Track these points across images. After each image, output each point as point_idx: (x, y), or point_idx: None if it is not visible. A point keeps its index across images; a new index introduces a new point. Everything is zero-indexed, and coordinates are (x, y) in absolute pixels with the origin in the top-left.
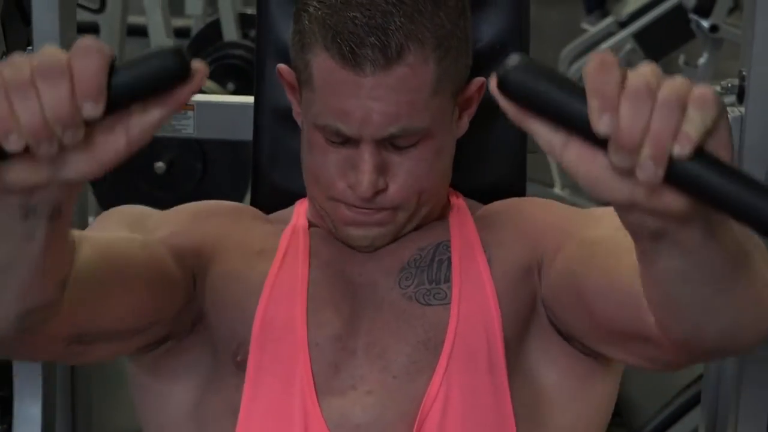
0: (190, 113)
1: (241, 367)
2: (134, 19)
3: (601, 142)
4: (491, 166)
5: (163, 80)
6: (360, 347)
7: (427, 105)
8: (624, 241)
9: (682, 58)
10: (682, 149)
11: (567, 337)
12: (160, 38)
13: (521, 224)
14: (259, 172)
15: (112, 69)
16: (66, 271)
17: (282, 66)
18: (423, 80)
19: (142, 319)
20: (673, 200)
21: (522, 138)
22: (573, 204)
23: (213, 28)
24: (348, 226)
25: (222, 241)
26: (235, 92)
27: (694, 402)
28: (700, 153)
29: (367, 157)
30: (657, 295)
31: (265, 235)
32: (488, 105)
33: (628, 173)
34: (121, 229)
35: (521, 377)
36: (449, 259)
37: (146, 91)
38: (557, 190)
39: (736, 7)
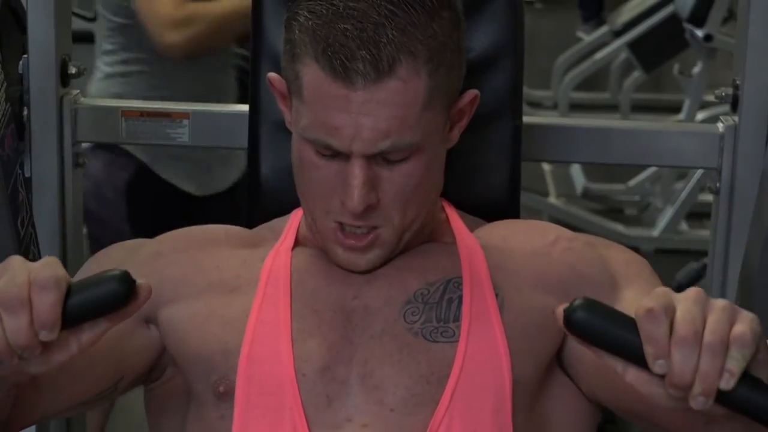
0: (185, 121)
1: (223, 397)
2: None
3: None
4: (486, 176)
5: (111, 303)
6: (354, 377)
7: (419, 119)
8: None
9: (676, 68)
10: (727, 384)
11: (587, 396)
12: None
13: (544, 268)
14: (256, 180)
15: (68, 291)
16: (8, 412)
17: (272, 75)
18: (415, 94)
19: (107, 384)
20: (720, 410)
21: (516, 146)
22: (567, 213)
23: None
24: (337, 247)
25: (187, 283)
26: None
27: None
28: (742, 378)
29: (357, 172)
30: None
31: (242, 265)
32: (482, 113)
33: (683, 400)
34: None
35: (530, 420)
36: (460, 298)
37: (97, 312)
38: (552, 199)
39: (730, 17)
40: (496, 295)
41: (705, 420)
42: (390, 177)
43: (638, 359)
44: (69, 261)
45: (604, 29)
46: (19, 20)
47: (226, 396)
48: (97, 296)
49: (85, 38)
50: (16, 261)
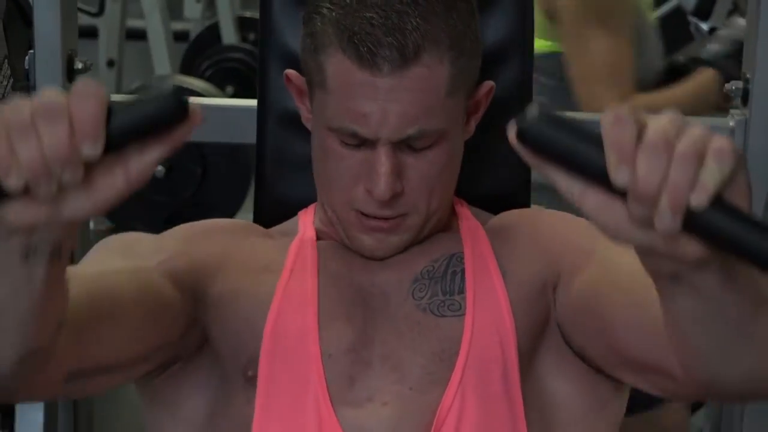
0: None
1: (251, 382)
2: (133, 23)
3: (619, 192)
4: (497, 169)
5: (160, 121)
6: (375, 358)
7: (443, 106)
8: None
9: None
10: (698, 199)
11: (580, 356)
12: (159, 41)
13: (537, 239)
14: (263, 176)
15: (110, 111)
16: (63, 312)
17: (290, 71)
18: (439, 80)
19: (141, 348)
20: (691, 247)
21: None
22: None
23: (212, 32)
24: (362, 234)
25: (222, 260)
26: (234, 95)
27: (699, 403)
28: (717, 202)
29: (384, 160)
30: (676, 336)
31: (269, 250)
32: (494, 111)
33: (647, 222)
34: (114, 259)
35: (535, 389)
36: (463, 271)
37: (144, 132)
38: None
39: (735, 10)
40: (499, 267)
41: (670, 278)
42: (415, 165)
43: (599, 173)
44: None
45: None
46: (25, 15)
47: (253, 380)
48: (144, 112)
49: (90, 33)
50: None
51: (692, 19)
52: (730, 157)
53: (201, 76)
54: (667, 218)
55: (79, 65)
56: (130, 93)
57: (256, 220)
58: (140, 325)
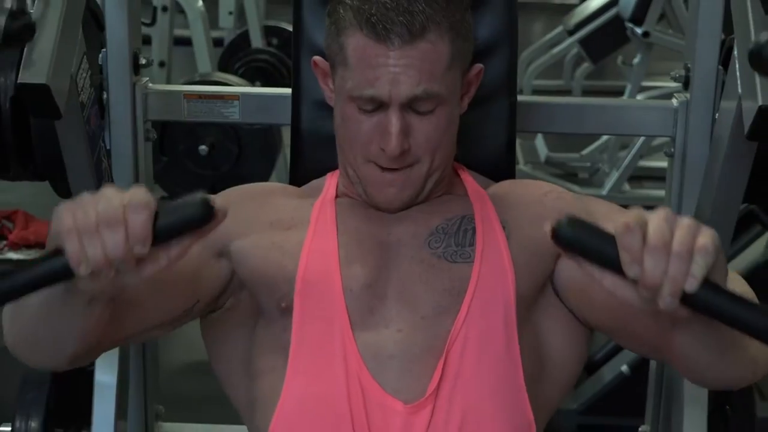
0: (235, 102)
1: (285, 312)
2: (179, 32)
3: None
4: (487, 143)
5: (194, 224)
6: (390, 293)
7: (443, 75)
8: None
9: (620, 59)
10: (691, 287)
11: (572, 313)
12: (200, 46)
13: (541, 210)
14: (298, 151)
15: (157, 215)
16: (102, 329)
17: (317, 57)
18: (440, 54)
19: (180, 308)
20: (684, 312)
21: (512, 119)
22: (533, 177)
23: (242, 38)
24: (377, 188)
25: (253, 222)
26: None
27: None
28: (704, 283)
29: (394, 121)
30: (677, 354)
31: (296, 210)
32: (484, 92)
33: (652, 301)
34: None
35: (530, 328)
36: (474, 230)
37: (182, 232)
38: (521, 166)
39: (663, 16)
40: (503, 228)
41: (671, 323)
42: (420, 126)
43: (615, 267)
44: None
45: (559, 29)
46: (98, 21)
47: (287, 311)
48: (182, 217)
49: (145, 40)
50: (110, 189)
51: (628, 25)
52: (712, 251)
53: (235, 74)
54: (668, 300)
55: (143, 61)
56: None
57: (292, 183)
58: (176, 289)
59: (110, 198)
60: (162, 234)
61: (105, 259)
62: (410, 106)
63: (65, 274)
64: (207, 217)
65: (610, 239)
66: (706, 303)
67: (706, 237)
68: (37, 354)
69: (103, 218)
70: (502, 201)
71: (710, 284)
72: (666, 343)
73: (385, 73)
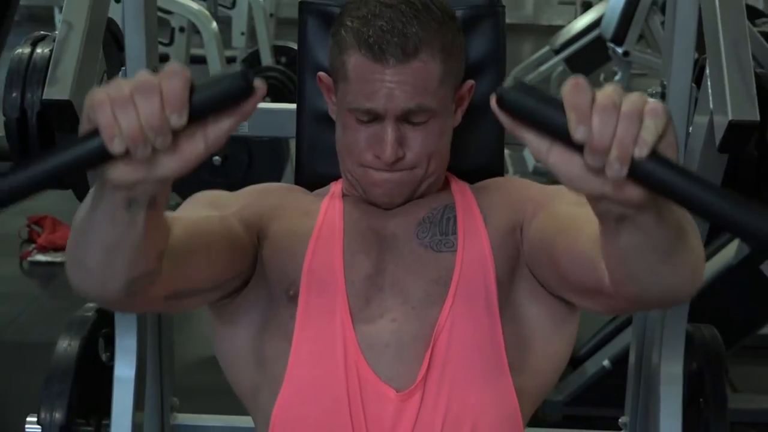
0: None
1: (292, 300)
2: (195, 51)
3: (577, 147)
4: (478, 154)
5: (232, 97)
6: (386, 284)
7: (436, 91)
8: (583, 213)
9: (602, 76)
10: (641, 151)
11: (542, 284)
12: (215, 64)
13: (509, 194)
14: (301, 161)
15: (192, 88)
16: (162, 246)
17: (321, 73)
18: (432, 73)
19: (222, 277)
20: (634, 192)
21: (500, 132)
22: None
23: (253, 57)
24: (375, 186)
25: (278, 208)
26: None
27: (626, 323)
28: (653, 154)
29: (389, 131)
30: (616, 263)
31: (310, 202)
32: (475, 107)
33: (599, 171)
34: (204, 209)
35: (510, 312)
36: (455, 217)
37: (220, 105)
38: (510, 175)
39: (642, 37)
40: (482, 214)
41: (618, 219)
42: (413, 135)
43: (562, 132)
44: None
45: (546, 48)
46: (118, 42)
47: (295, 299)
48: (220, 89)
49: (163, 59)
50: (144, 70)
51: (610, 45)
52: (663, 115)
53: None
54: (616, 167)
55: None
56: None
57: None
58: (223, 258)
59: (144, 73)
60: (199, 107)
61: (140, 130)
62: (405, 118)
63: (98, 152)
64: (246, 89)
65: (557, 103)
66: (656, 175)
67: (656, 103)
68: (91, 280)
69: (138, 86)
70: (482, 190)
71: (660, 157)
72: (608, 252)
73: (381, 88)
